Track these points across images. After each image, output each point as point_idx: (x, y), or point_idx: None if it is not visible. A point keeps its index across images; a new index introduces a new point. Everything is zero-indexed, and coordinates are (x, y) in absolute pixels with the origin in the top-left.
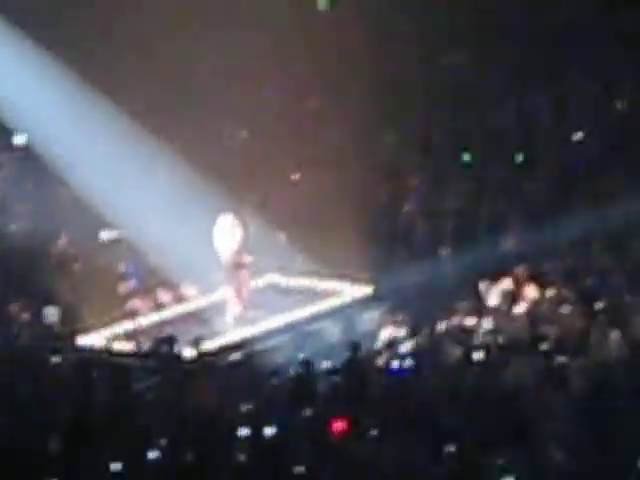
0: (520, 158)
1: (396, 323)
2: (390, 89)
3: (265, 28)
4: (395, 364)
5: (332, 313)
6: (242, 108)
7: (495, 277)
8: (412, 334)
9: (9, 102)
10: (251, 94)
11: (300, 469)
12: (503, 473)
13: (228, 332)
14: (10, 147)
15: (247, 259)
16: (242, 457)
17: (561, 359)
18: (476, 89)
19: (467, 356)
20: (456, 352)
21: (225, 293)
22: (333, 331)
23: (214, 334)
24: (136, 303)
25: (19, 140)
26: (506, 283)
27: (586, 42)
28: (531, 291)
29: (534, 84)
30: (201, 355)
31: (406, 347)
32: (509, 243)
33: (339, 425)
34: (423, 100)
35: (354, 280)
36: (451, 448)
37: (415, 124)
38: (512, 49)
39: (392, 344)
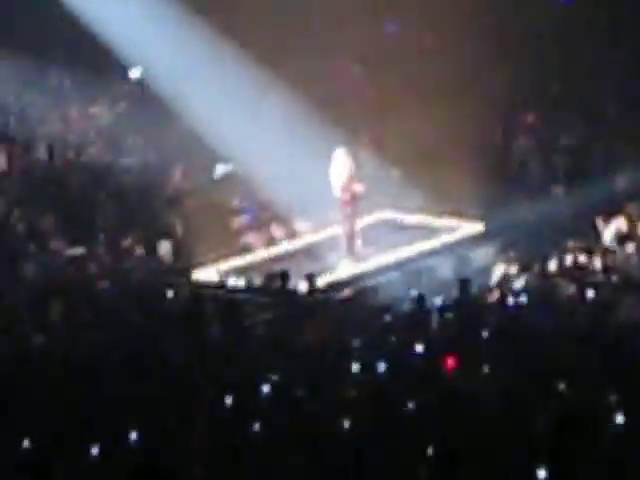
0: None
1: (508, 260)
2: (503, 26)
3: None
4: (508, 300)
5: (444, 250)
6: (356, 43)
7: (608, 215)
8: (523, 271)
9: (128, 36)
10: (365, 29)
11: (411, 405)
12: (614, 411)
13: (341, 268)
14: (126, 81)
15: (359, 190)
16: (353, 392)
17: None
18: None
19: (580, 294)
20: (569, 289)
21: (338, 229)
22: (445, 268)
23: (327, 270)
24: (249, 238)
25: (134, 74)
26: (619, 221)
27: None
28: None
29: None
30: (314, 291)
31: (518, 284)
32: (622, 181)
33: (451, 361)
34: (535, 38)
35: (466, 217)
36: (562, 385)
37: (528, 61)
38: None
39: (504, 281)
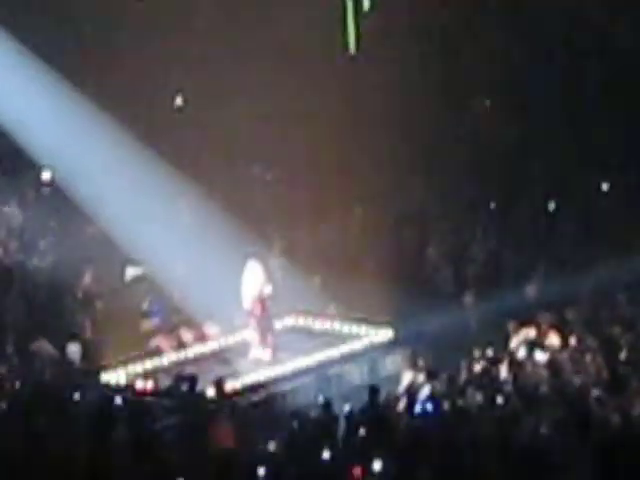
0: (552, 206)
1: (416, 368)
2: (419, 137)
3: (295, 72)
4: (416, 408)
5: (354, 356)
6: (271, 151)
7: (518, 324)
8: (431, 379)
9: (37, 139)
10: (280, 138)
11: None
12: None
13: (250, 373)
14: (37, 183)
15: (268, 292)
16: None
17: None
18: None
19: (488, 403)
20: (477, 398)
21: (247, 334)
22: (355, 374)
23: (236, 374)
24: (159, 341)
25: (45, 176)
26: (529, 331)
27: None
28: (554, 339)
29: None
30: (222, 395)
31: (426, 392)
32: (531, 291)
33: (356, 470)
34: (451, 148)
35: (377, 324)
36: None
37: (442, 171)
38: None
39: (412, 389)
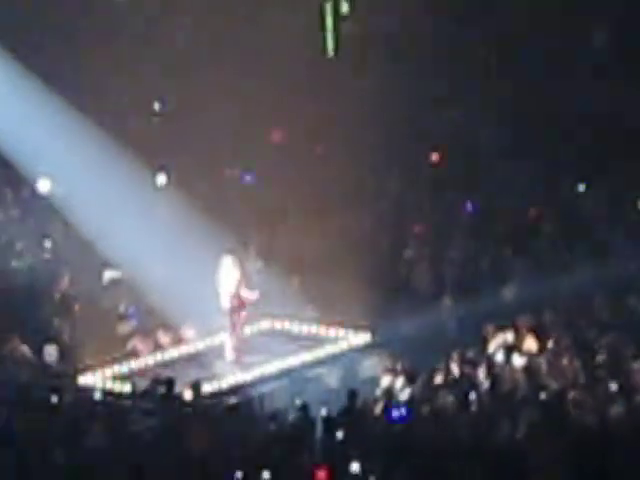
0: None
1: (394, 371)
2: (395, 137)
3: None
4: (393, 412)
5: (331, 359)
6: (250, 154)
7: (496, 327)
8: (409, 382)
9: (14, 140)
10: (259, 141)
11: None
12: None
13: (226, 376)
14: (16, 187)
15: (251, 297)
16: None
17: (560, 411)
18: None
19: (463, 406)
20: (452, 402)
21: (225, 337)
22: (332, 377)
23: (213, 377)
24: (136, 344)
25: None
26: (506, 333)
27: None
28: (531, 342)
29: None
30: (199, 398)
31: (404, 395)
32: (509, 294)
33: (321, 474)
34: (427, 148)
35: (354, 327)
36: None
37: (419, 171)
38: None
39: (389, 392)
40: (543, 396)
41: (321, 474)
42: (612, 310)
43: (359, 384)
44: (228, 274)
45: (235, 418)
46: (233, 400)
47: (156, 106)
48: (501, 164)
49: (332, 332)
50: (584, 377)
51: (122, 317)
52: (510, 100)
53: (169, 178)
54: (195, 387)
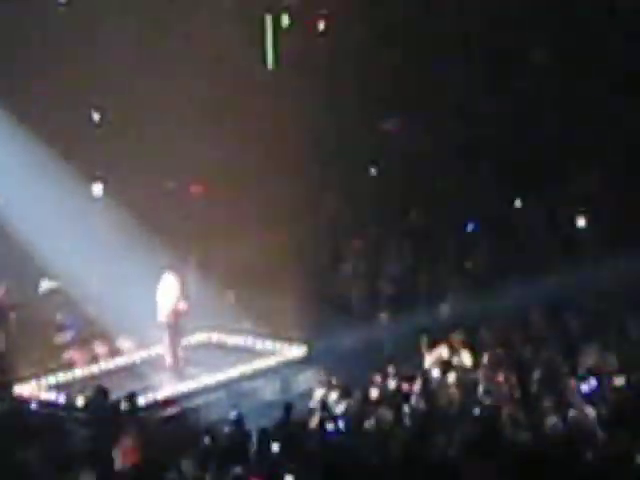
0: (469, 224)
1: (330, 385)
2: (334, 153)
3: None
4: (328, 426)
5: (267, 372)
6: (188, 166)
7: (431, 343)
8: (344, 397)
9: None
10: (198, 153)
11: None
12: None
13: (163, 387)
14: None
15: (183, 307)
16: None
17: (494, 426)
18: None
19: (398, 421)
20: (387, 417)
21: (161, 348)
22: (268, 390)
23: (148, 389)
24: (72, 354)
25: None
26: (441, 349)
27: None
28: (466, 358)
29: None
30: (134, 409)
31: (339, 409)
32: (445, 310)
33: None
34: (366, 164)
35: (291, 341)
36: None
37: (357, 187)
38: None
39: (324, 406)
40: (478, 412)
41: None
42: (547, 326)
43: (295, 398)
44: (167, 288)
45: (170, 430)
46: (168, 412)
47: (95, 117)
48: (438, 180)
49: (268, 345)
50: (519, 393)
51: (59, 327)
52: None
53: (105, 188)
54: (131, 398)
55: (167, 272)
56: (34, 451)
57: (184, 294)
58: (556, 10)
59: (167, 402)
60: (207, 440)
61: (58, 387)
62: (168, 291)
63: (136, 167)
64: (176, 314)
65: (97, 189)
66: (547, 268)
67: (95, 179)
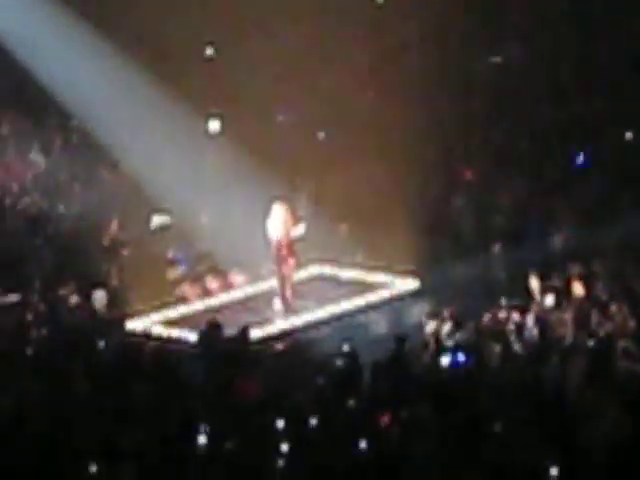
0: (581, 157)
1: (442, 317)
2: (442, 86)
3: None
4: (444, 359)
5: (379, 306)
6: (297, 98)
7: (544, 275)
8: (456, 329)
9: (67, 84)
10: (307, 84)
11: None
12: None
13: (275, 321)
14: (65, 130)
15: (299, 231)
16: (285, 446)
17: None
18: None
19: (509, 353)
20: (497, 349)
21: (273, 282)
22: (380, 324)
23: (261, 323)
24: (184, 289)
25: (75, 123)
26: (554, 281)
27: None
28: (579, 290)
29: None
30: (248, 343)
31: (451, 341)
32: (558, 241)
33: (384, 419)
34: (473, 98)
35: (402, 274)
36: (491, 446)
37: (465, 121)
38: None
39: (437, 338)
40: (591, 344)
41: (384, 419)
42: None
43: (407, 330)
44: (278, 221)
45: (284, 363)
46: (282, 345)
47: (208, 51)
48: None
49: (380, 278)
50: (634, 324)
51: (171, 263)
52: None
53: (222, 125)
54: (244, 332)
55: (278, 203)
56: (147, 386)
57: (296, 225)
58: None
59: (280, 336)
60: (320, 374)
61: (171, 322)
62: (278, 224)
63: (249, 103)
64: (288, 246)
65: (213, 125)
66: None
67: (211, 115)
